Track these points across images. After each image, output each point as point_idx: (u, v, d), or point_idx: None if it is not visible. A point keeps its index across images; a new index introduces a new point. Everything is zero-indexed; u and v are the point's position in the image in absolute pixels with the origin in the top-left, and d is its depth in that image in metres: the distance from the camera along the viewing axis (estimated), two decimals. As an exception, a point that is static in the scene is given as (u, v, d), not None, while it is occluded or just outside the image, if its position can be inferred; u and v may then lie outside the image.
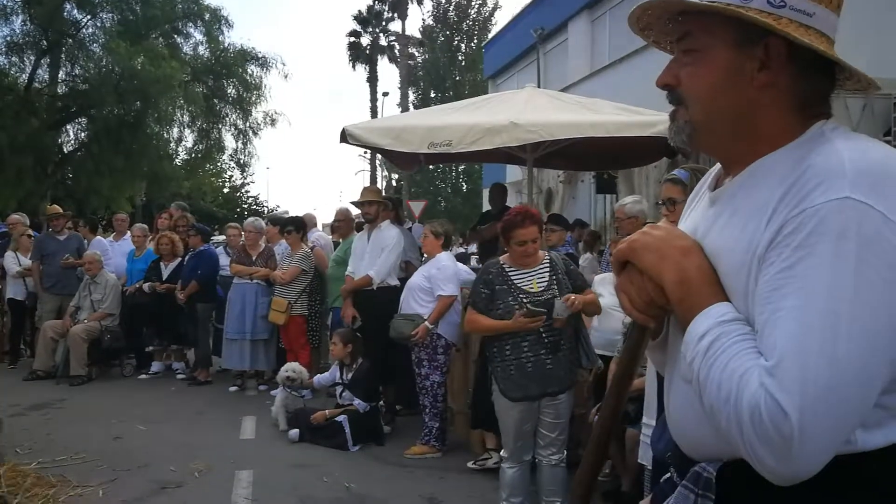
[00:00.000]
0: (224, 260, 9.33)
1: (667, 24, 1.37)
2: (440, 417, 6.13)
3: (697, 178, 3.40)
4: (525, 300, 4.36)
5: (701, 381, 1.15)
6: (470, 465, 5.72)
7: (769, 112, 1.25)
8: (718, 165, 1.42)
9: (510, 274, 4.48)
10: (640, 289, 1.30)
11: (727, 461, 1.22)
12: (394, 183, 36.20)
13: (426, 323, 5.96)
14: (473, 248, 13.79)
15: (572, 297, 4.33)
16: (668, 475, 1.48)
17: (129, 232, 10.48)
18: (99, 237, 10.65)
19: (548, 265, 4.50)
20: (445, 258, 6.25)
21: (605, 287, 5.02)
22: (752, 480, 1.12)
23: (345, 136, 7.03)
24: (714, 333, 1.15)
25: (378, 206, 7.15)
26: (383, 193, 8.99)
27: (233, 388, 8.51)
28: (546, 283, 4.43)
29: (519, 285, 4.44)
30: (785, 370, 1.04)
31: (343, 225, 8.73)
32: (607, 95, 8.37)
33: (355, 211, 8.58)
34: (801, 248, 1.09)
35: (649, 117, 6.60)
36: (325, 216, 10.41)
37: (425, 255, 6.69)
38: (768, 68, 1.23)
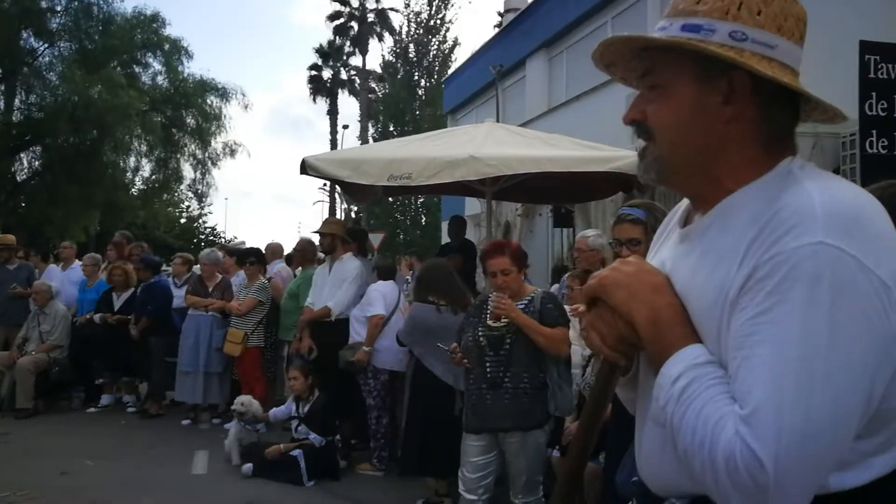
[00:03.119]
0: (173, 290, 9.09)
1: (630, 60, 1.36)
2: (378, 440, 6.38)
3: (654, 216, 3.45)
4: (480, 334, 4.36)
5: (675, 425, 1.14)
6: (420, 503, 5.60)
7: (737, 147, 1.24)
8: (686, 201, 1.40)
9: (488, 308, 4.43)
10: (610, 326, 1.27)
11: (698, 496, 1.20)
12: (352, 214, 36.11)
13: (364, 347, 6.28)
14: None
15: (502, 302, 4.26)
16: None
17: (76, 261, 10.24)
18: (52, 266, 10.40)
19: (526, 302, 4.40)
20: (373, 286, 6.62)
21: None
22: None
23: (305, 168, 7.00)
24: (688, 377, 1.13)
25: (333, 238, 7.13)
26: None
27: (185, 422, 8.34)
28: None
29: (487, 320, 4.38)
30: (760, 419, 1.03)
31: (298, 255, 8.61)
32: (564, 132, 8.46)
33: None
34: (774, 294, 1.07)
35: (606, 153, 6.70)
36: (286, 247, 10.28)
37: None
38: (733, 102, 1.22)
